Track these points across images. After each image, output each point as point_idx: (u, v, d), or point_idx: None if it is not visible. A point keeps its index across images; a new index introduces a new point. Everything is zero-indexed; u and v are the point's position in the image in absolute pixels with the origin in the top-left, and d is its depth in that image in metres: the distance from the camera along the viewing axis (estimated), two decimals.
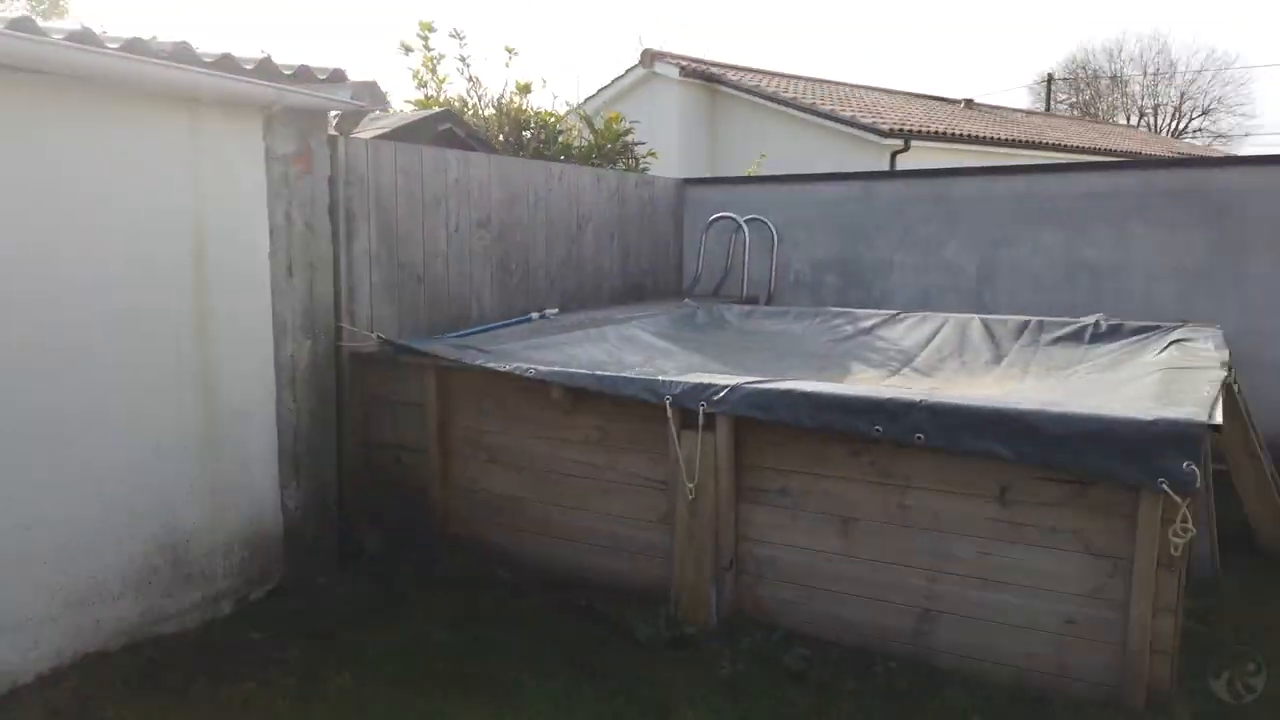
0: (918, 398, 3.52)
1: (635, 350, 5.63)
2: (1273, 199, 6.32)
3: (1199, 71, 47.80)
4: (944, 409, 3.46)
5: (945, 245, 7.42)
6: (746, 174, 9.96)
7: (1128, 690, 3.28)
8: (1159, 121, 45.76)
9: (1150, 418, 3.16)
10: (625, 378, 4.14)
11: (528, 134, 7.87)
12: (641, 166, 8.24)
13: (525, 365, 4.39)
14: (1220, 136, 44.55)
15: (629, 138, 8.08)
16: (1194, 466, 3.06)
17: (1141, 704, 3.26)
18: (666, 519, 4.15)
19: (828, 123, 14.45)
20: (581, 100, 10.94)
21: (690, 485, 3.96)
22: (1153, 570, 3.20)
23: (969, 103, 20.79)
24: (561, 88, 22.19)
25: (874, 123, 14.13)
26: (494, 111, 7.99)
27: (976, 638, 3.57)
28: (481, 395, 4.67)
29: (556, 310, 6.52)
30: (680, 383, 3.98)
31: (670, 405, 3.96)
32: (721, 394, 3.86)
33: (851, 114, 14.55)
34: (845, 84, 18.80)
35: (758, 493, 3.95)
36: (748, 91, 15.52)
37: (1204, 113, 46.30)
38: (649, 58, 16.39)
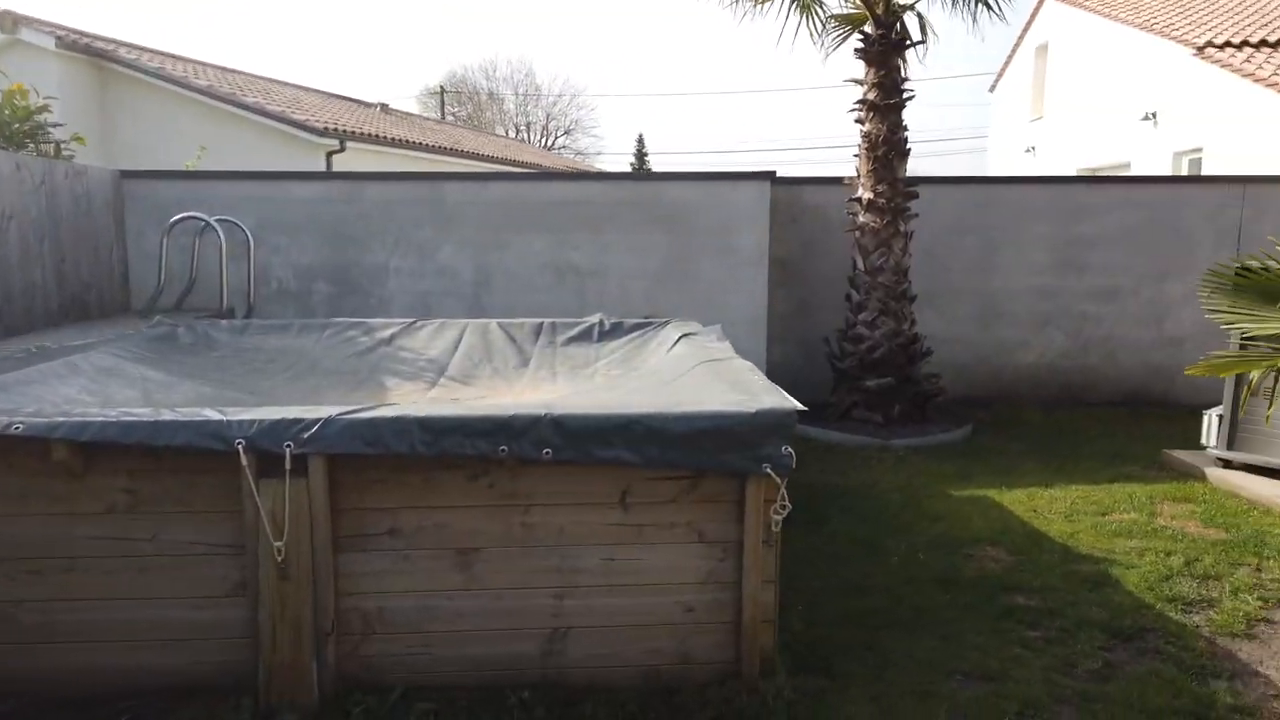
0: (542, 412, 3.35)
1: (123, 384, 4.49)
2: (713, 211, 7.44)
3: (560, 96, 54.93)
4: (571, 421, 3.34)
5: (441, 250, 7.30)
6: (186, 168, 8.64)
7: (744, 662, 3.54)
8: (532, 137, 51.56)
9: (752, 410, 3.43)
10: (170, 422, 3.24)
11: None
12: (66, 154, 6.59)
13: (5, 419, 3.18)
14: (580, 154, 51.76)
15: (44, 116, 6.39)
16: (790, 449, 3.41)
17: (756, 672, 3.54)
18: (241, 589, 3.36)
19: (254, 117, 13.29)
20: None
21: (279, 545, 3.25)
22: (758, 548, 3.50)
23: (385, 107, 20.90)
24: None
25: (306, 120, 13.39)
26: None
27: (605, 646, 3.54)
28: None
29: None
30: (254, 421, 3.23)
31: (244, 450, 3.20)
32: (314, 429, 3.23)
33: (281, 109, 13.59)
34: (260, 77, 17.51)
35: (361, 539, 3.40)
36: (150, 74, 13.56)
37: (566, 133, 53.45)
38: (10, 21, 13.43)
